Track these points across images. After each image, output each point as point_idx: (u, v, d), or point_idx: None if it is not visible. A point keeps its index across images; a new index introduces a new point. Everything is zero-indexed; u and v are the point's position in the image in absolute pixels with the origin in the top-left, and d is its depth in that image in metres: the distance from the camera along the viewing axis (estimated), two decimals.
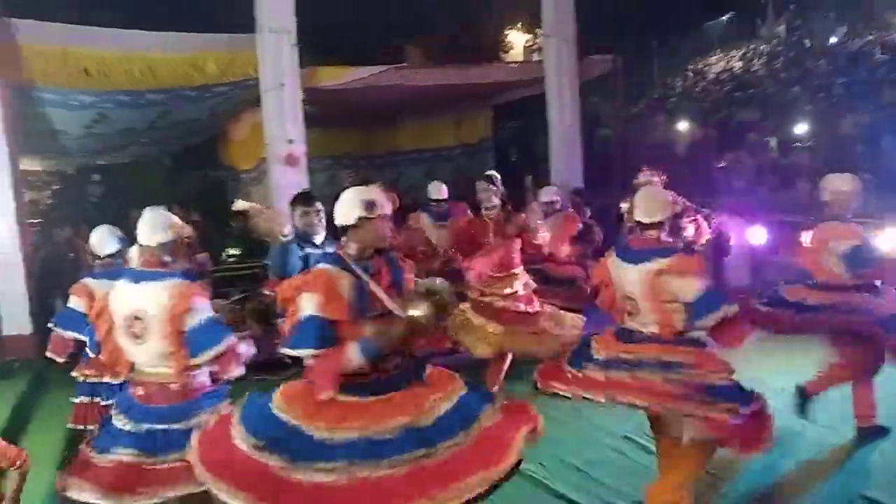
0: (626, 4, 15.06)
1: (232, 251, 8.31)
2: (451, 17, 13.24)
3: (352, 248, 2.52)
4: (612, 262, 3.07)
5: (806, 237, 4.01)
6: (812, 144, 9.63)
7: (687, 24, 18.05)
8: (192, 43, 7.25)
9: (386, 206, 2.56)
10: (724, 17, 18.88)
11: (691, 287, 2.79)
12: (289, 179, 7.41)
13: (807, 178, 8.40)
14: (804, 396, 3.95)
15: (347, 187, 2.67)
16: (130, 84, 7.09)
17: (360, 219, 2.49)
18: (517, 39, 19.00)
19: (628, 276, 2.96)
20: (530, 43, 18.86)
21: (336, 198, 2.61)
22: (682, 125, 12.94)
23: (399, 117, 11.36)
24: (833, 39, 15.44)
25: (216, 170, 11.32)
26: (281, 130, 7.53)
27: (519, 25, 18.44)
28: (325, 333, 2.35)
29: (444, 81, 8.92)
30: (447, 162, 11.90)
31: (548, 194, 6.07)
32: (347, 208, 2.52)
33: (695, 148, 11.81)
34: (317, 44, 7.86)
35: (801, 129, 11.03)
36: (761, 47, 17.14)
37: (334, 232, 2.81)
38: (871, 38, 13.49)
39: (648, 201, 3.03)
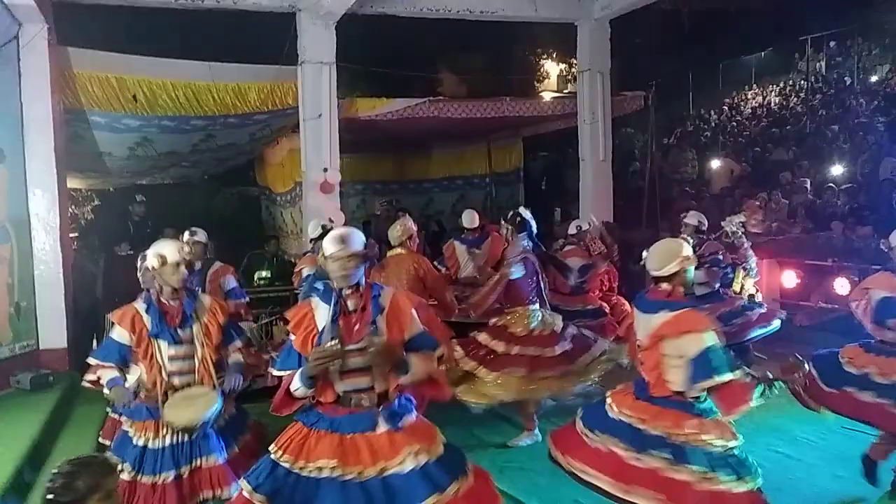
0: (662, 36, 15.07)
1: (263, 274, 8.48)
2: (486, 48, 13.43)
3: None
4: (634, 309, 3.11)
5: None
6: (849, 187, 9.44)
7: (724, 56, 17.96)
8: (235, 73, 7.50)
9: None
10: (762, 52, 18.72)
11: (693, 346, 2.73)
12: (322, 204, 7.62)
13: (842, 221, 8.26)
14: (870, 463, 3.80)
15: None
16: (175, 110, 7.34)
17: None
18: (552, 69, 19.16)
19: (640, 325, 2.98)
20: (565, 73, 19.00)
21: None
22: (715, 162, 12.84)
23: (431, 146, 11.51)
24: (874, 77, 15.17)
25: (252, 191, 11.58)
26: (317, 158, 7.71)
27: (554, 55, 18.60)
28: None
29: (476, 114, 9.03)
30: (478, 190, 12.00)
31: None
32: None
33: (728, 185, 11.71)
34: (355, 75, 8.07)
35: (837, 170, 10.85)
36: (800, 83, 16.93)
37: None
38: None
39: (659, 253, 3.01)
